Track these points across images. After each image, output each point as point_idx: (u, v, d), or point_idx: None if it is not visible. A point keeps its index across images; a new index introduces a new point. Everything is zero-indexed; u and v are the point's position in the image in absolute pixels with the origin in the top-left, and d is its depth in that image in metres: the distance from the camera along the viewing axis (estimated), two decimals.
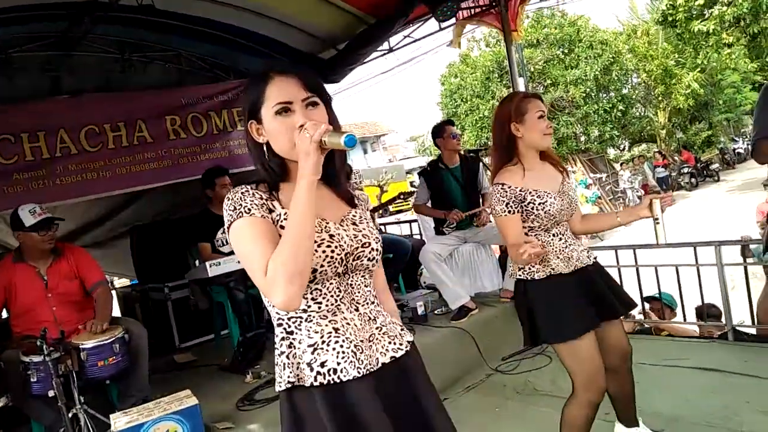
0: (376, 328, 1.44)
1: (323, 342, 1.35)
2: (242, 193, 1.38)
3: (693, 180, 20.04)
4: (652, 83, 20.23)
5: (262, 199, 1.37)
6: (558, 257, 2.26)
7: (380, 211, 8.36)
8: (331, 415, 1.32)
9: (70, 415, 2.86)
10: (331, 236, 1.38)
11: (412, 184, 18.39)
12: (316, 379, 1.33)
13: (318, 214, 1.36)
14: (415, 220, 7.05)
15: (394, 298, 4.90)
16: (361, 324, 1.41)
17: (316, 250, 1.33)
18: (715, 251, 4.04)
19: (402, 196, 5.55)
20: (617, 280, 4.66)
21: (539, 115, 2.29)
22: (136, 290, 5.68)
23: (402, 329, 1.51)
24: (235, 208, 1.34)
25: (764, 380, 3.24)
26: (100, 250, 5.74)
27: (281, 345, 1.39)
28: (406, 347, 1.48)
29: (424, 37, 6.24)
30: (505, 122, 2.32)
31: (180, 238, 4.70)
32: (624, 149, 24.85)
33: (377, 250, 1.45)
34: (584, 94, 18.59)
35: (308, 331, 1.36)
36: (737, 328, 4.03)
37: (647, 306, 4.95)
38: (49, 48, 5.31)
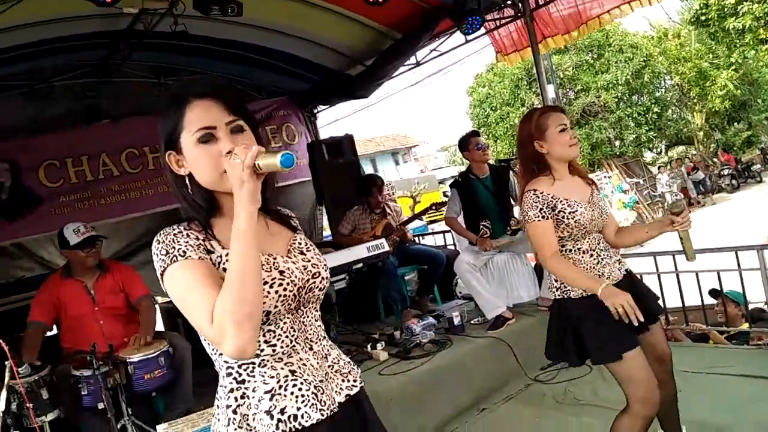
0: (329, 366, 1.33)
1: (280, 387, 1.23)
2: (174, 234, 1.21)
3: (734, 182, 19.51)
4: (686, 85, 19.82)
5: (197, 239, 1.21)
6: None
7: (421, 219, 8.38)
8: None
9: (119, 426, 2.96)
10: (282, 273, 1.24)
11: (444, 194, 18.36)
12: (278, 427, 1.20)
13: (263, 250, 1.23)
14: (450, 231, 7.06)
15: (430, 309, 4.90)
16: (317, 363, 1.29)
17: (268, 291, 1.20)
18: (758, 255, 3.94)
19: (434, 207, 5.56)
20: (657, 287, 4.62)
21: (561, 128, 2.26)
22: None
23: (351, 365, 1.40)
24: (167, 252, 1.18)
25: None
26: (144, 270, 5.90)
27: (228, 398, 1.24)
28: (360, 383, 1.38)
29: (450, 50, 6.27)
30: (527, 141, 2.31)
31: None
32: (660, 152, 24.35)
33: (326, 278, 1.34)
34: (616, 99, 18.33)
35: (263, 376, 1.23)
36: None
37: (714, 302, 4.76)
38: (88, 75, 5.56)
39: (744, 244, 4.18)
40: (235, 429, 1.22)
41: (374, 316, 5.17)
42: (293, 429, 1.21)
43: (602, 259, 2.26)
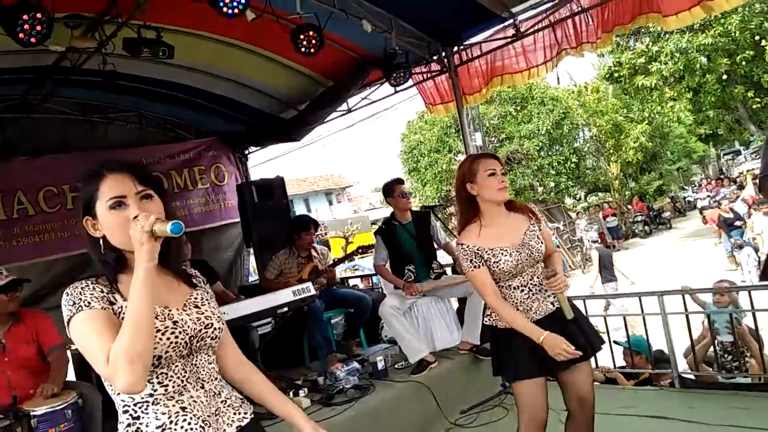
0: (221, 402, 1.52)
1: (171, 422, 1.40)
2: (81, 288, 1.39)
3: (647, 228, 20.78)
4: (603, 137, 21.16)
5: (102, 292, 1.40)
6: (517, 309, 2.42)
7: (345, 262, 8.41)
8: None
9: None
10: (175, 323, 1.43)
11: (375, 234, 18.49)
12: None
13: (161, 302, 1.44)
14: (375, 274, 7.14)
15: (356, 352, 4.90)
16: (207, 400, 1.47)
17: (161, 338, 1.38)
18: (659, 300, 4.24)
19: (361, 250, 5.64)
20: None
21: (489, 173, 2.44)
22: None
23: (242, 400, 1.60)
24: (74, 303, 1.36)
25: (707, 426, 3.38)
26: (58, 313, 5.63)
27: None
28: (250, 416, 1.58)
29: (380, 99, 6.49)
30: (461, 184, 2.51)
31: None
32: (580, 198, 25.66)
33: (219, 328, 1.53)
34: (538, 148, 19.29)
35: (155, 413, 1.39)
36: (683, 375, 4.19)
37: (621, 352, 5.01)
38: (6, 110, 5.36)
39: (653, 288, 4.47)
40: None
41: (299, 361, 5.14)
42: None
43: (533, 294, 2.45)
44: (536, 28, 5.10)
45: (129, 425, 1.40)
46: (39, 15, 3.33)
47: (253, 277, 7.68)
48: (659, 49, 15.65)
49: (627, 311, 5.09)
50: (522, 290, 2.44)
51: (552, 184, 20.11)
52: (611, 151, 21.57)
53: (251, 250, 7.02)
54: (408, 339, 4.43)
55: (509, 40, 5.28)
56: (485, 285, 2.42)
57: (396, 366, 4.56)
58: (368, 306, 5.13)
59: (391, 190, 4.71)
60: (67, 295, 1.38)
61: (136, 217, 1.34)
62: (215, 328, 1.52)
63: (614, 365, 4.80)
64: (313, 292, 4.36)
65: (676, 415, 3.59)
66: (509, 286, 2.45)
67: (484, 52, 5.48)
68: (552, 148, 20.09)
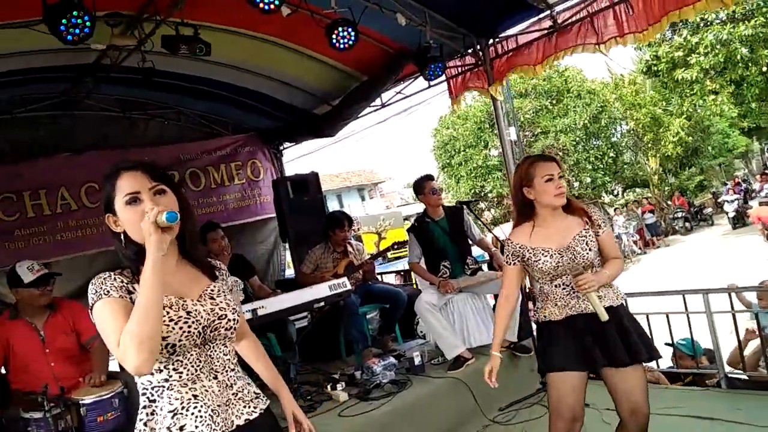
0: (233, 394, 1.60)
1: (183, 408, 1.50)
2: (103, 278, 1.50)
3: (687, 224, 20.21)
4: (641, 131, 20.65)
5: (122, 282, 1.50)
6: (556, 305, 2.47)
7: (378, 259, 8.42)
8: None
9: None
10: (188, 313, 1.52)
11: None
12: None
13: (177, 293, 1.54)
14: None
15: (391, 348, 4.93)
16: (219, 390, 1.56)
17: (173, 327, 1.48)
18: (704, 299, 4.11)
19: (396, 245, 5.62)
20: None
21: (547, 178, 2.42)
22: None
23: (257, 395, 1.67)
24: (96, 292, 1.48)
25: (756, 428, 3.26)
26: None
27: (142, 413, 1.52)
28: (260, 411, 1.64)
29: (414, 93, 6.45)
30: (518, 187, 2.51)
31: None
32: (617, 195, 25.13)
33: (234, 320, 1.61)
34: (574, 142, 18.95)
35: (169, 398, 1.50)
36: (729, 375, 4.05)
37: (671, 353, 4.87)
38: (51, 108, 5.50)
39: (694, 287, 4.33)
40: None
41: (335, 355, 5.16)
42: None
43: (574, 291, 2.42)
44: (574, 19, 4.97)
45: (145, 407, 1.52)
46: (81, 14, 3.39)
47: (289, 272, 7.73)
48: (698, 41, 15.18)
49: None
50: (563, 288, 2.46)
51: (588, 180, 19.75)
52: (649, 145, 21.05)
53: (287, 245, 7.07)
54: (444, 335, 4.40)
55: (546, 32, 5.17)
56: (508, 278, 2.58)
57: (433, 362, 4.54)
58: (403, 302, 5.12)
59: (422, 187, 4.69)
60: (92, 285, 1.50)
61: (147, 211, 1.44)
62: (229, 320, 1.60)
63: (657, 366, 4.67)
64: (348, 287, 4.37)
65: (723, 416, 3.48)
66: (551, 282, 2.48)
67: (520, 44, 5.38)
68: (588, 142, 19.73)
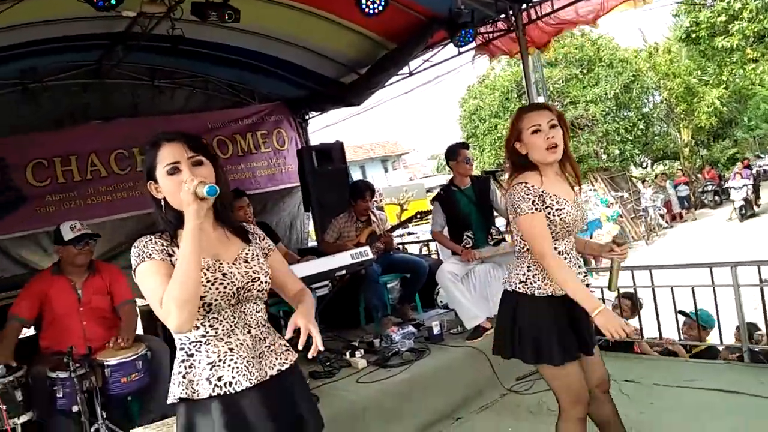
0: (266, 347, 1.72)
1: (220, 360, 1.62)
2: (145, 242, 1.61)
3: (717, 198, 19.72)
4: (674, 101, 20.07)
5: (163, 245, 1.61)
6: None
7: (399, 229, 8.45)
8: (222, 420, 1.58)
9: (92, 430, 2.97)
10: (224, 275, 1.63)
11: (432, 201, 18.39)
12: (213, 391, 1.59)
13: (214, 255, 1.65)
14: (433, 240, 7.13)
15: (411, 317, 4.96)
16: (252, 344, 1.68)
17: (210, 288, 1.58)
18: (732, 272, 4.05)
19: (419, 215, 5.63)
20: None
21: (533, 129, 2.16)
22: None
23: (287, 348, 1.79)
24: (138, 255, 1.59)
25: None
26: (128, 272, 5.92)
27: (181, 366, 1.64)
28: (290, 362, 1.76)
29: (443, 62, 6.35)
30: (510, 141, 2.26)
31: None
32: (646, 167, 24.61)
33: (266, 282, 1.72)
34: (604, 113, 18.53)
35: (207, 352, 1.62)
36: (753, 348, 4.02)
37: (681, 322, 4.85)
38: (82, 76, 5.59)
39: (720, 260, 4.27)
40: (182, 390, 1.61)
41: (355, 322, 5.24)
42: (227, 393, 1.60)
43: (571, 264, 2.23)
44: None
45: (183, 360, 1.63)
46: None
47: (311, 242, 7.82)
48: (742, 5, 14.56)
49: None
50: (566, 257, 2.21)
51: (617, 152, 19.34)
52: (682, 116, 20.47)
53: (310, 215, 7.14)
54: (465, 305, 4.43)
55: None
56: (543, 233, 2.12)
57: (452, 331, 4.59)
58: (424, 271, 5.16)
59: (456, 153, 4.64)
60: (135, 248, 1.61)
61: (186, 181, 1.53)
62: (261, 282, 1.70)
63: (680, 337, 4.67)
64: (370, 256, 4.41)
65: (746, 389, 3.46)
66: (555, 249, 2.17)
67: (555, 9, 5.24)
68: (619, 113, 19.25)
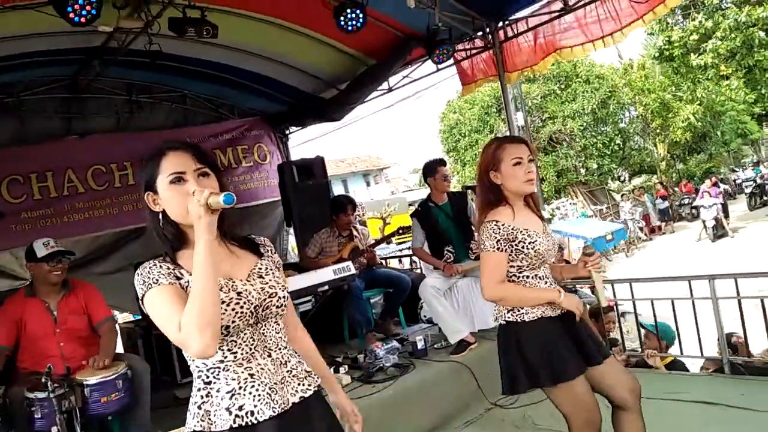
0: (287, 371, 1.57)
1: (240, 387, 1.48)
2: (150, 267, 1.48)
3: (694, 211, 20.04)
4: (650, 116, 20.49)
5: (168, 269, 1.48)
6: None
7: (383, 244, 8.45)
8: None
9: None
10: (239, 293, 1.50)
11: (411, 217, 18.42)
12: (234, 422, 1.44)
13: (225, 274, 1.51)
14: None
15: (394, 332, 4.92)
16: (274, 368, 1.54)
17: (225, 309, 1.45)
18: (709, 284, 4.10)
19: (401, 230, 5.63)
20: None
21: (515, 162, 2.25)
22: (139, 326, 5.73)
23: (309, 373, 1.63)
24: (144, 282, 1.46)
25: (760, 413, 3.26)
26: (104, 283, 5.81)
27: (196, 395, 1.50)
28: (315, 388, 1.62)
29: (422, 78, 6.42)
30: (484, 171, 2.32)
31: None
32: (624, 181, 25.00)
33: (284, 297, 1.59)
34: (582, 128, 18.84)
35: (226, 379, 1.48)
36: (734, 361, 4.06)
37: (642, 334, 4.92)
38: (59, 91, 5.52)
39: (699, 273, 4.32)
40: (198, 422, 1.48)
41: (339, 338, 5.19)
42: (248, 423, 1.45)
43: (553, 285, 2.31)
44: (585, 1, 4.93)
45: (200, 389, 1.50)
46: None
47: (291, 257, 7.76)
48: (714, 24, 14.97)
49: None
50: (545, 282, 2.29)
51: (595, 166, 19.64)
52: (658, 131, 20.89)
53: (290, 230, 7.09)
54: (448, 319, 4.42)
55: (556, 14, 5.12)
56: (498, 267, 2.20)
57: (436, 346, 4.56)
58: (407, 286, 5.14)
59: (434, 170, 4.67)
60: (139, 276, 1.48)
61: (194, 192, 1.41)
62: (279, 297, 1.57)
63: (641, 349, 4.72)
64: (353, 271, 4.39)
65: (726, 401, 3.48)
66: (535, 275, 2.27)
67: (530, 27, 5.33)
68: (596, 128, 19.60)
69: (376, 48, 5.64)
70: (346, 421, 1.82)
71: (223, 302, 1.45)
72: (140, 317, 5.91)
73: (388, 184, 35.00)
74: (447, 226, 4.65)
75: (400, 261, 8.86)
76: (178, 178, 1.48)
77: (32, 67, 5.02)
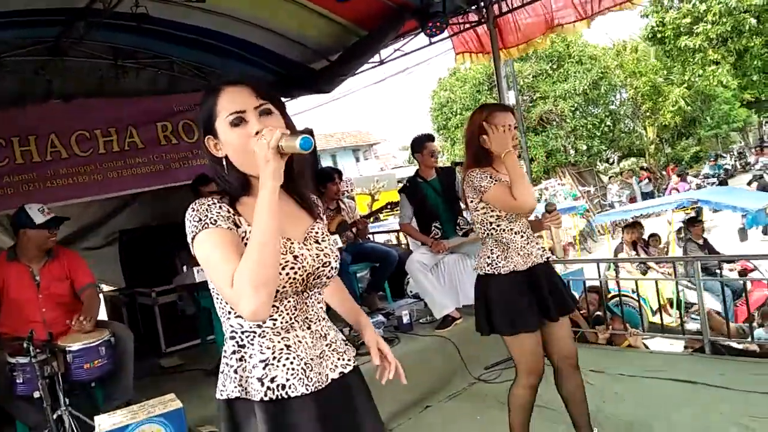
0: (327, 345, 1.45)
1: (274, 358, 1.35)
2: (208, 205, 1.33)
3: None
4: (640, 99, 20.51)
5: (229, 212, 1.34)
6: (519, 254, 2.48)
7: (371, 219, 8.43)
8: (268, 429, 1.33)
9: (55, 416, 2.88)
10: (296, 257, 1.37)
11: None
12: (266, 395, 1.33)
13: (283, 233, 1.35)
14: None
15: (380, 307, 4.93)
16: (312, 341, 1.41)
17: (280, 273, 1.31)
18: (694, 266, 4.14)
19: (390, 206, 5.61)
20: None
21: (505, 128, 2.43)
22: (123, 294, 5.69)
23: (347, 345, 1.53)
24: (200, 219, 1.30)
25: (738, 392, 3.32)
26: (92, 257, 5.74)
27: (230, 358, 1.38)
28: (354, 363, 1.51)
29: (414, 51, 6.31)
30: (475, 134, 2.50)
31: (168, 244, 4.72)
32: (613, 163, 25.12)
33: (335, 268, 1.46)
34: (573, 108, 18.82)
35: (260, 346, 1.36)
36: (714, 341, 4.12)
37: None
38: (42, 53, 5.35)
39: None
40: (236, 387, 1.36)
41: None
42: (280, 397, 1.34)
43: (530, 241, 2.54)
44: None
45: (234, 352, 1.38)
46: None
47: None
48: (706, 8, 14.94)
49: None
50: (522, 236, 2.51)
51: (584, 147, 19.68)
52: (648, 114, 20.95)
53: None
54: (434, 294, 4.43)
55: None
56: (507, 193, 2.39)
57: (421, 321, 4.58)
58: (394, 261, 5.14)
59: (421, 145, 4.65)
60: (193, 211, 1.32)
61: (258, 132, 1.27)
62: (332, 267, 1.45)
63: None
64: (339, 244, 4.36)
65: (707, 380, 3.54)
66: (510, 230, 2.49)
67: (525, 2, 5.25)
68: (587, 109, 19.59)
69: (368, 18, 5.52)
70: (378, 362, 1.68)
71: (279, 264, 1.31)
72: (124, 287, 5.87)
73: (378, 161, 34.88)
74: (435, 202, 4.63)
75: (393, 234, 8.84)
76: (239, 119, 1.32)
77: (12, 27, 4.85)
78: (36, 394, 2.88)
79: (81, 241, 5.92)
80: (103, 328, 3.35)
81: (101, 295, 3.78)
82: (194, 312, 4.72)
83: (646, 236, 8.30)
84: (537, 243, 2.56)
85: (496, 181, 2.42)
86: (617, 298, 5.00)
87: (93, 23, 4.93)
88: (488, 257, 2.51)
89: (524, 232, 2.53)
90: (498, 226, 2.49)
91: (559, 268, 5.54)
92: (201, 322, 4.75)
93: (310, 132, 6.74)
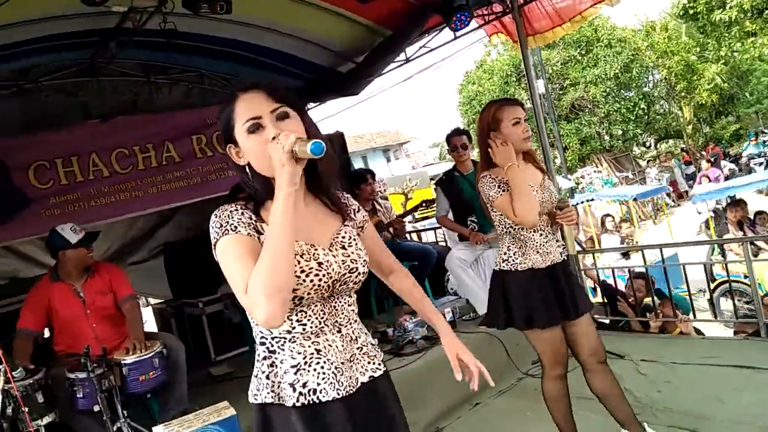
0: (357, 348, 1.45)
1: (306, 363, 1.36)
2: (230, 211, 1.35)
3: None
4: (674, 79, 19.94)
5: (251, 218, 1.35)
6: (537, 252, 2.50)
7: (406, 218, 8.42)
8: None
9: (114, 428, 2.98)
10: (320, 264, 1.36)
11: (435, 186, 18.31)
12: (298, 400, 1.34)
13: (307, 238, 1.36)
14: (440, 227, 7.08)
15: None
16: (342, 345, 1.41)
17: (304, 280, 1.32)
18: (744, 248, 3.99)
19: (425, 204, 5.58)
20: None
21: (514, 122, 2.46)
22: (171, 306, 5.81)
23: (376, 348, 1.53)
24: (221, 226, 1.33)
25: None
26: (139, 271, 5.88)
27: (262, 364, 1.40)
28: (384, 368, 1.51)
29: (440, 47, 6.27)
30: (484, 131, 2.52)
31: (211, 254, 4.80)
32: (650, 146, 24.50)
33: (363, 273, 1.45)
34: (605, 93, 18.43)
35: (291, 351, 1.37)
36: None
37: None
38: (77, 74, 5.51)
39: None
40: (269, 393, 1.38)
41: (367, 313, 5.21)
42: (311, 402, 1.34)
43: (549, 239, 2.53)
44: None
45: (265, 358, 1.40)
46: None
47: None
48: None
49: None
50: (541, 234, 2.51)
51: (620, 132, 19.26)
52: (683, 94, 20.35)
53: None
54: (475, 290, 4.40)
55: None
56: (510, 206, 2.42)
57: (464, 318, 4.55)
58: (433, 259, 5.11)
59: (448, 142, 4.68)
60: (215, 217, 1.35)
61: (275, 138, 1.27)
62: (360, 273, 1.44)
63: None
64: None
65: (763, 364, 3.41)
66: (529, 228, 2.49)
67: None
68: (619, 93, 19.17)
69: (391, 18, 5.51)
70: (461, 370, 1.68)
71: (303, 272, 1.32)
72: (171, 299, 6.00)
73: (409, 159, 34.81)
74: (471, 195, 4.59)
75: (419, 236, 8.81)
76: (256, 125, 1.32)
77: (48, 51, 5.00)
78: (96, 408, 2.97)
79: (127, 256, 6.08)
80: (154, 340, 3.43)
81: (150, 308, 3.86)
82: (240, 320, 4.78)
83: (751, 215, 7.35)
84: (557, 241, 2.57)
85: (503, 191, 2.46)
86: (725, 285, 4.65)
87: (124, 42, 5.06)
88: (504, 253, 2.56)
89: (544, 230, 2.53)
90: (515, 225, 2.51)
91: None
92: (247, 329, 4.80)
93: (340, 135, 6.78)
